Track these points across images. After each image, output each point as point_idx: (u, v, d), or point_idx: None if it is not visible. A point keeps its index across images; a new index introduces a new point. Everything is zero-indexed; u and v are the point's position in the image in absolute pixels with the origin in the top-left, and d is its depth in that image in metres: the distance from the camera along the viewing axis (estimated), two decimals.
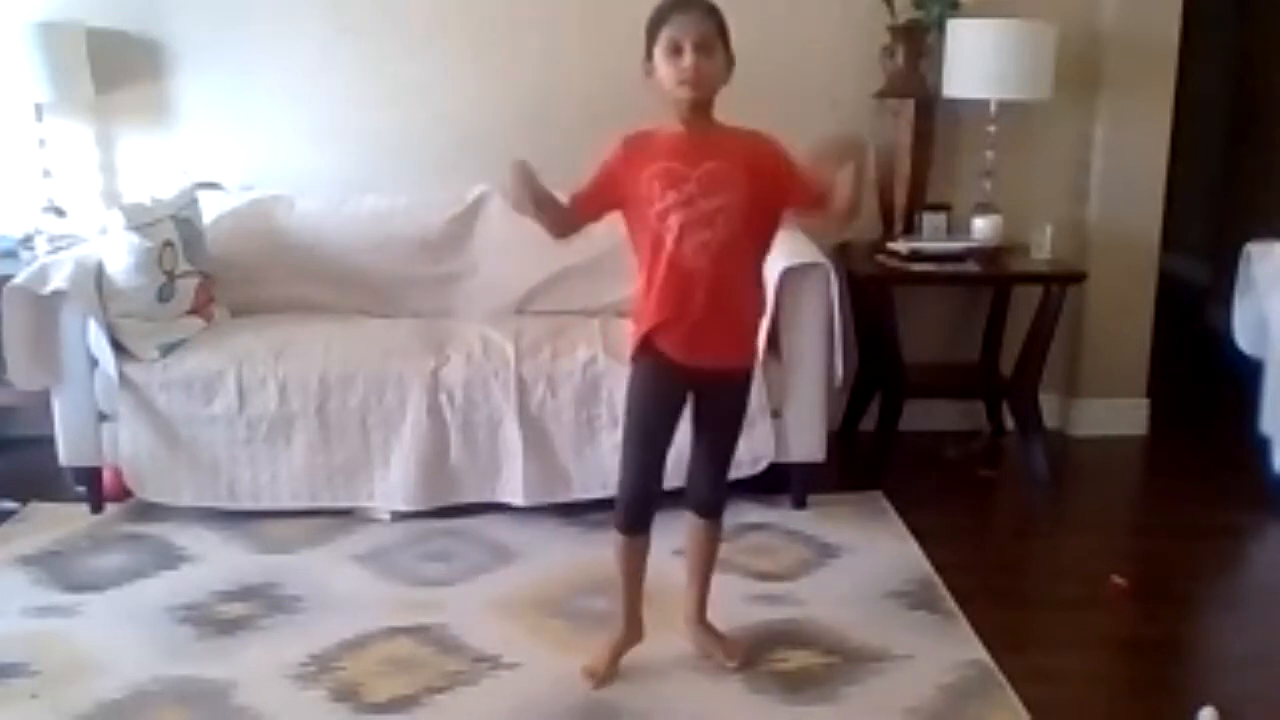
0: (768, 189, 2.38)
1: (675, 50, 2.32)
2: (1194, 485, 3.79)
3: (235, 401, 3.29)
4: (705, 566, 2.69)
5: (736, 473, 2.85)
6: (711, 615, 2.72)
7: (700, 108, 2.37)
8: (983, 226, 3.84)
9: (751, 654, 2.67)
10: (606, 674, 2.59)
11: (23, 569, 3.13)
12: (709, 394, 2.52)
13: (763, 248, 2.51)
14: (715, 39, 2.34)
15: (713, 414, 2.55)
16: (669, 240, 2.36)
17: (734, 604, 2.85)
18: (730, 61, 2.38)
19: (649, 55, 2.37)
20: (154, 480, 3.35)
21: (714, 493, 2.63)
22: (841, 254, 3.83)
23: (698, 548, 2.68)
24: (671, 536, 2.72)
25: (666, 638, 2.70)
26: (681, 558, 2.74)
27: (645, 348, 2.46)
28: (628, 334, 3.34)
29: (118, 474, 3.41)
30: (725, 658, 2.64)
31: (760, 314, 2.63)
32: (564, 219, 2.47)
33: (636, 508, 2.54)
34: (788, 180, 2.39)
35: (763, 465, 3.35)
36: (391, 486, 3.34)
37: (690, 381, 2.48)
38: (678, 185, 2.35)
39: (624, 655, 2.64)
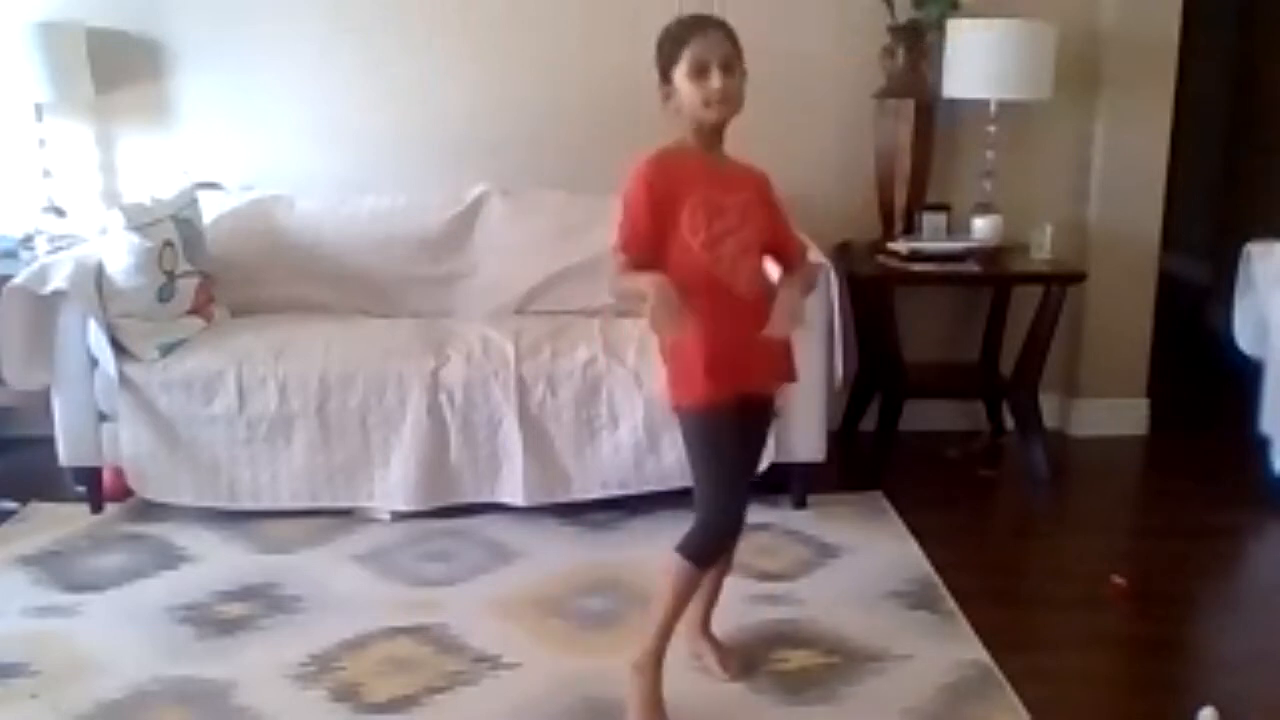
0: (770, 225, 2.40)
1: (701, 71, 2.24)
2: (1194, 485, 3.79)
3: (235, 401, 3.29)
4: (718, 579, 2.65)
5: None
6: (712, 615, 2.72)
7: (719, 131, 2.33)
8: (983, 226, 3.84)
9: (747, 665, 2.63)
10: None
11: (23, 569, 3.13)
12: (750, 415, 2.45)
13: None
14: (735, 59, 2.29)
15: (749, 435, 2.50)
16: (721, 269, 2.29)
17: (735, 604, 2.84)
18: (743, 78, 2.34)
19: (665, 78, 2.30)
20: (154, 480, 3.35)
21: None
22: (841, 254, 3.84)
23: None
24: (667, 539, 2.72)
25: None
26: None
27: (709, 384, 2.31)
28: (627, 336, 3.36)
29: (118, 474, 3.40)
30: (720, 669, 2.62)
31: None
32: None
33: (722, 543, 2.48)
34: (781, 228, 2.45)
35: (763, 466, 3.34)
36: (391, 486, 3.34)
37: (744, 408, 2.39)
38: (722, 214, 2.30)
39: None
